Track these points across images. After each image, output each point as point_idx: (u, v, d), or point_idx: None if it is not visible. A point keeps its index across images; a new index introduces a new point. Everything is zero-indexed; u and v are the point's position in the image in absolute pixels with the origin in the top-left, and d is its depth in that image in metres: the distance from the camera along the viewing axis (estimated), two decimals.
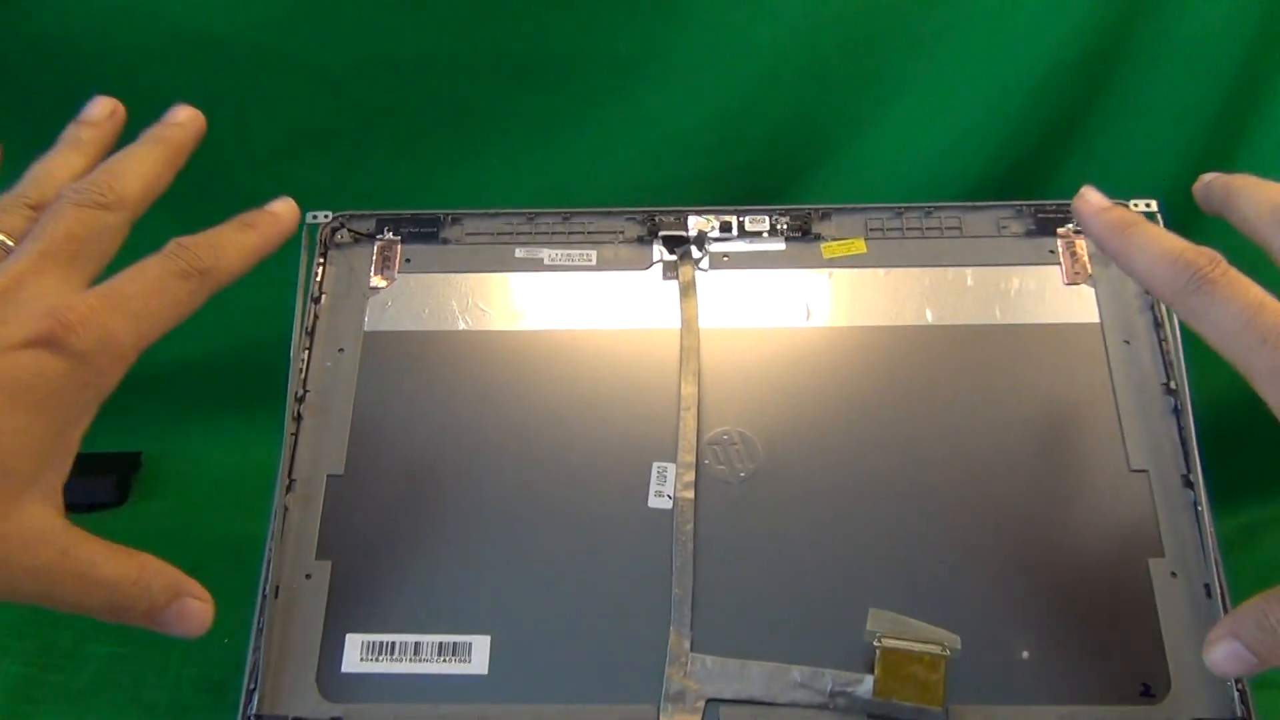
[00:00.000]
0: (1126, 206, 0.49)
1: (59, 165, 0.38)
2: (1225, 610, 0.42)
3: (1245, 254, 0.37)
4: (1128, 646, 0.42)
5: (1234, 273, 0.35)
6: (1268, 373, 0.33)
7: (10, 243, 0.35)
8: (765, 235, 0.52)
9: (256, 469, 0.52)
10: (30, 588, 0.32)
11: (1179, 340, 0.47)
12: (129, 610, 0.33)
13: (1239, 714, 0.40)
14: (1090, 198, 0.40)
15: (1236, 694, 0.41)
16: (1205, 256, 0.35)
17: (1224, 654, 0.35)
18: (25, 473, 0.31)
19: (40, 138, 0.62)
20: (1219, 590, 0.42)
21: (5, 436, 0.31)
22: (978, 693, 0.41)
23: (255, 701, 0.42)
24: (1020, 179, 0.63)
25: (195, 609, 0.35)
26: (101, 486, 0.63)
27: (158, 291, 0.34)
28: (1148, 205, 0.50)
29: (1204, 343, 0.35)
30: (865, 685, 0.41)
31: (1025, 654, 0.42)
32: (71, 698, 0.48)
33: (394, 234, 0.52)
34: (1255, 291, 0.34)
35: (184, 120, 0.40)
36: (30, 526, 0.31)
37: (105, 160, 0.38)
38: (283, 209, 0.39)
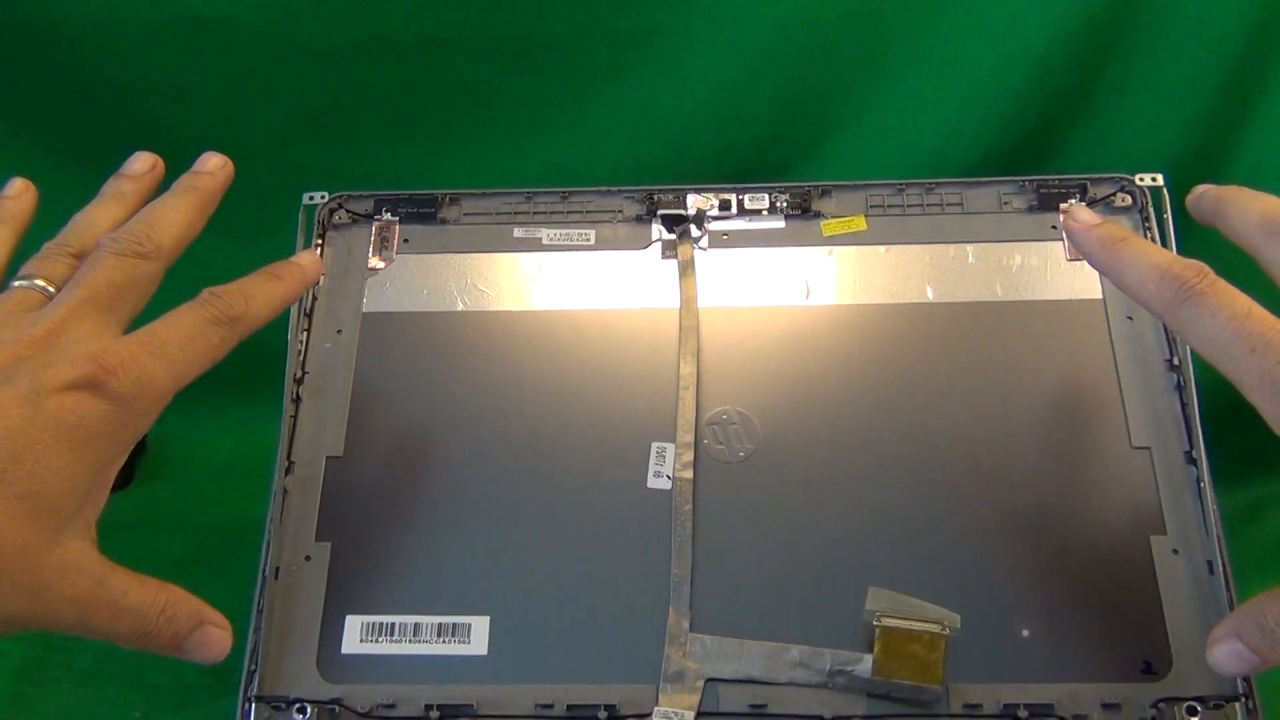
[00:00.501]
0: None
1: (101, 216, 0.40)
2: (1228, 587, 0.42)
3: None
4: (1129, 624, 0.42)
5: (1222, 284, 0.35)
6: (1257, 381, 0.33)
7: (52, 289, 0.37)
8: (765, 213, 0.52)
9: (258, 451, 0.52)
10: (67, 616, 0.33)
11: None
12: (155, 638, 0.35)
13: (1240, 691, 0.40)
14: (1079, 215, 0.40)
15: None
16: (1193, 269, 0.36)
17: (1226, 653, 0.35)
18: (66, 509, 0.33)
19: (41, 121, 0.63)
20: (1221, 567, 0.42)
21: (50, 475, 0.32)
22: (978, 671, 0.41)
23: (256, 683, 0.42)
24: (1026, 154, 0.62)
25: (215, 637, 0.36)
26: None
27: (192, 337, 0.36)
28: (1154, 179, 0.50)
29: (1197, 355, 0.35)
30: (864, 664, 0.41)
31: (1026, 632, 0.42)
32: (76, 679, 0.48)
33: (392, 214, 0.52)
34: (1242, 301, 0.35)
35: (213, 169, 0.42)
36: (69, 559, 0.33)
37: (141, 210, 0.40)
38: (307, 260, 0.42)
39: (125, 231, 0.38)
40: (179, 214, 0.40)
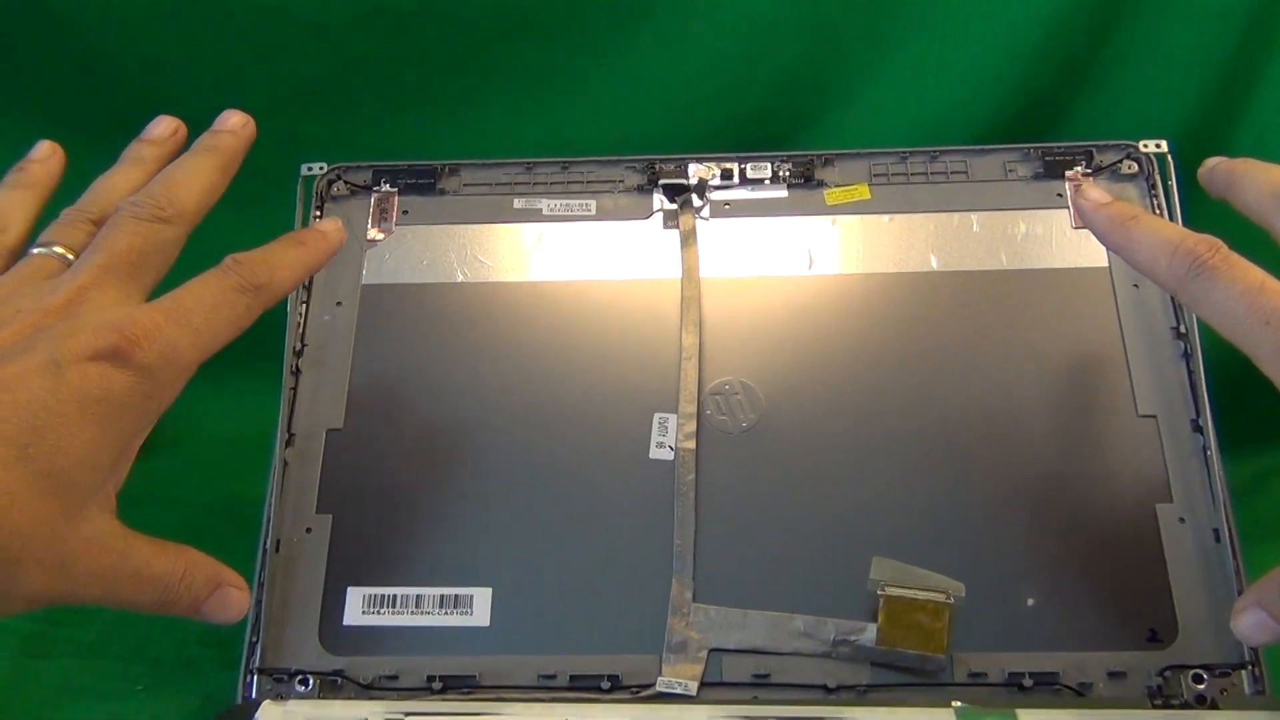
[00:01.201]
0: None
1: (121, 181, 0.39)
2: (1234, 556, 0.42)
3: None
4: (1135, 592, 0.42)
5: (1234, 257, 0.35)
6: (1271, 353, 0.33)
7: (71, 256, 0.36)
8: (767, 182, 0.51)
9: (258, 425, 0.52)
10: (93, 590, 0.32)
11: None
12: (176, 604, 0.34)
13: (1247, 659, 0.40)
14: (1090, 193, 0.40)
15: None
16: (1205, 244, 0.35)
17: (1250, 623, 0.35)
18: (91, 484, 0.32)
19: (36, 95, 0.62)
20: (1228, 535, 0.42)
21: (74, 449, 0.31)
22: (983, 640, 0.41)
23: (258, 655, 0.42)
24: (1030, 122, 0.61)
25: (233, 598, 0.36)
26: None
27: (217, 306, 0.35)
28: (1158, 146, 0.50)
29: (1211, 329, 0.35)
30: (868, 634, 0.40)
31: (1031, 601, 0.42)
32: (80, 652, 0.48)
33: (391, 186, 0.52)
34: (1255, 274, 0.34)
35: (234, 127, 0.41)
36: (93, 534, 0.32)
37: (161, 172, 0.39)
38: (330, 227, 0.41)
39: (145, 195, 0.37)
40: (199, 176, 0.39)
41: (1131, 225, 0.38)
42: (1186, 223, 0.48)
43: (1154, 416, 0.45)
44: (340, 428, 0.46)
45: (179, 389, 0.34)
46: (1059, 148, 0.51)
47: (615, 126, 0.63)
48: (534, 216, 0.51)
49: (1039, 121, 0.61)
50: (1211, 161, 0.41)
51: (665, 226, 0.51)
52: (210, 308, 0.34)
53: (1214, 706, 0.39)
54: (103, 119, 0.62)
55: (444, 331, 0.48)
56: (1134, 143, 0.50)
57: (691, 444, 0.45)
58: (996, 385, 0.46)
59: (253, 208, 0.56)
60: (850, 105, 0.63)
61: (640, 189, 0.52)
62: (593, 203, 0.51)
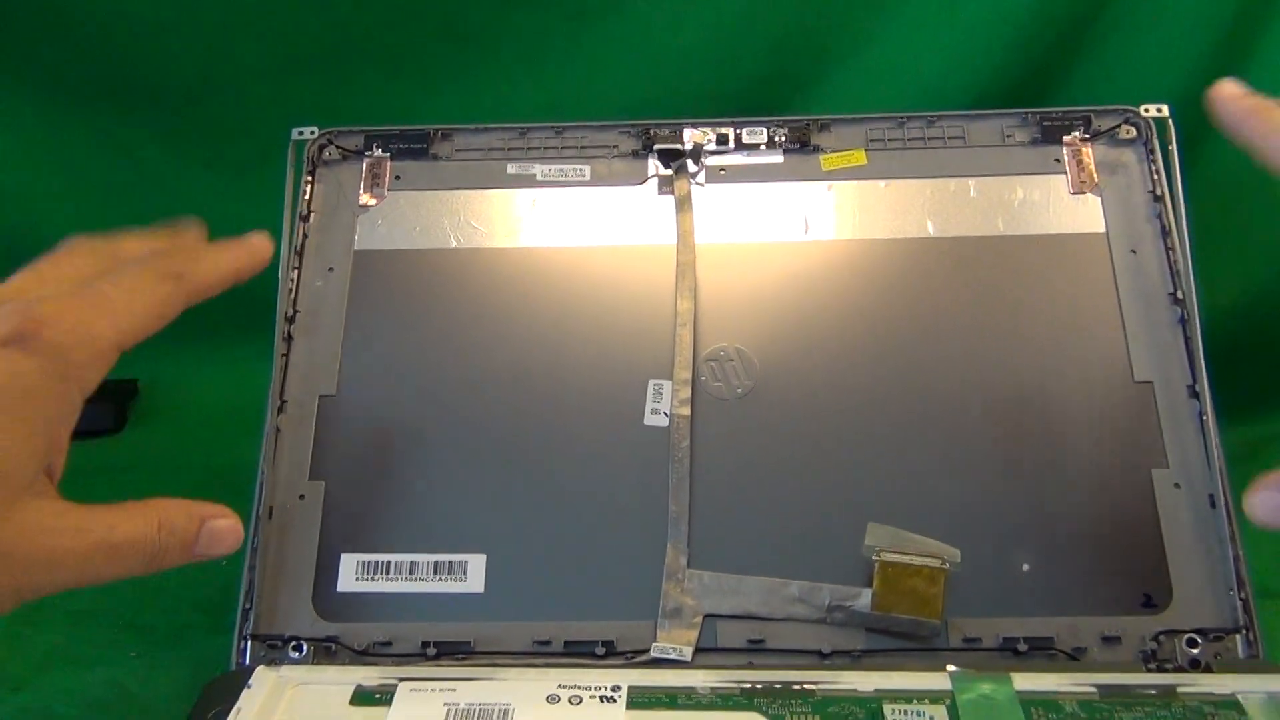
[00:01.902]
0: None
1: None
2: (1229, 521, 0.42)
3: None
4: (1130, 557, 0.42)
5: None
6: None
7: None
8: (763, 148, 0.51)
9: (251, 392, 0.51)
10: (58, 576, 0.31)
11: (1187, 249, 0.46)
12: (165, 555, 0.33)
13: (1241, 623, 0.40)
14: (1225, 87, 0.38)
15: (1239, 603, 0.40)
16: None
17: (1264, 501, 0.33)
18: (17, 475, 0.31)
19: (28, 61, 0.62)
20: (1223, 501, 0.42)
21: None
22: (977, 605, 0.41)
23: (252, 621, 0.42)
24: (1029, 88, 0.61)
25: (222, 527, 0.34)
26: (100, 414, 0.63)
27: (135, 290, 0.34)
28: (1159, 110, 0.49)
29: None
30: (863, 599, 0.40)
31: (1026, 566, 0.42)
32: (71, 620, 0.48)
33: (383, 151, 0.51)
34: None
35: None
36: (33, 522, 0.31)
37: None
38: (257, 239, 0.39)
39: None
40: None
41: (1266, 116, 0.36)
42: (1187, 187, 0.47)
43: (1150, 382, 0.45)
44: (333, 394, 0.46)
45: (100, 374, 0.33)
46: (1057, 112, 0.50)
47: (610, 91, 0.63)
48: (528, 182, 0.51)
49: (1037, 86, 0.61)
50: (1223, 91, 0.38)
51: (660, 192, 0.50)
52: (128, 291, 0.34)
53: (1208, 670, 0.39)
54: (93, 84, 0.62)
55: (437, 297, 0.48)
56: (1134, 107, 0.49)
57: (686, 410, 0.45)
58: (992, 351, 0.46)
59: (244, 172, 0.56)
60: (847, 70, 0.63)
61: (635, 154, 0.51)
62: (587, 168, 0.51)
